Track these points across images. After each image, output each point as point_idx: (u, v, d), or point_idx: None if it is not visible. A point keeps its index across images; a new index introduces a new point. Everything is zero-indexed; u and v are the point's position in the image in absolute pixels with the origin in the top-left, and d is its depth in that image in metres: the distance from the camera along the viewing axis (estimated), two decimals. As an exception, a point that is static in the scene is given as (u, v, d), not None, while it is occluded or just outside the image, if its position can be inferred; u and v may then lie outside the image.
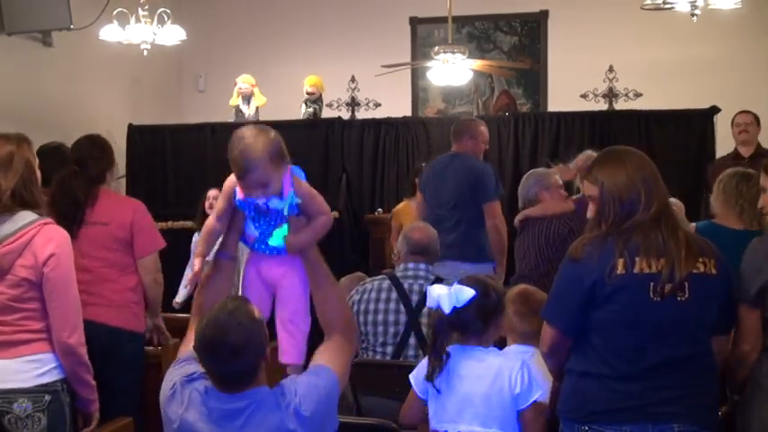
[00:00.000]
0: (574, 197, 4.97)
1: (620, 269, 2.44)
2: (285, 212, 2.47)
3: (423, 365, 2.84)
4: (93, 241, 3.77)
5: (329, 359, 2.39)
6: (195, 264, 2.53)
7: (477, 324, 2.76)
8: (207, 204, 6.23)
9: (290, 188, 2.47)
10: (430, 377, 2.72)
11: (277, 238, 2.48)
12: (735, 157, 6.29)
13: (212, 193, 6.25)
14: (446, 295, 2.69)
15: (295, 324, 2.52)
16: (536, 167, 5.84)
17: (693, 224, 4.06)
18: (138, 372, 3.91)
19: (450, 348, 2.75)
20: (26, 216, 2.86)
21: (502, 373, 2.69)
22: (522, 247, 4.82)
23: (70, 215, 3.73)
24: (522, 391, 2.67)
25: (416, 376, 2.85)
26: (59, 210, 3.70)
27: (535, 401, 2.69)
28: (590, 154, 4.97)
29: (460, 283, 2.74)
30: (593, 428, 2.50)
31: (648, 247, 2.45)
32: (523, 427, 2.70)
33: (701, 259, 2.47)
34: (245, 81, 8.20)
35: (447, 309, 2.68)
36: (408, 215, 6.54)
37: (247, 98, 8.19)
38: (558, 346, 2.59)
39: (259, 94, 8.20)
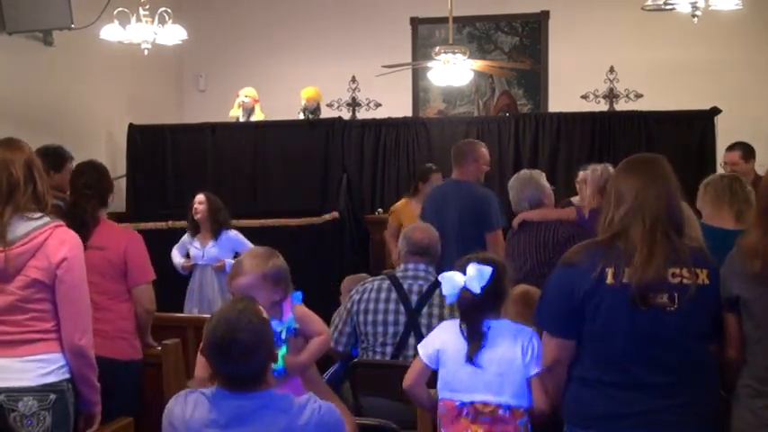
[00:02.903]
0: (575, 205, 4.98)
1: (609, 279, 2.46)
2: (283, 336, 2.59)
3: (432, 336, 2.91)
4: (89, 266, 3.77)
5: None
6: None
7: (500, 297, 2.82)
8: (193, 210, 6.16)
9: (289, 313, 2.61)
10: (471, 358, 2.74)
11: (277, 359, 2.54)
12: None
13: (199, 198, 6.18)
14: (474, 277, 2.76)
15: None
16: (536, 167, 5.83)
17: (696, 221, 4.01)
18: (135, 395, 3.90)
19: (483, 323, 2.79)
20: (39, 218, 2.87)
21: (515, 343, 2.73)
22: (517, 247, 4.80)
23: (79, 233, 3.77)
24: (530, 360, 2.71)
25: (425, 346, 2.89)
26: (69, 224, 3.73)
27: (538, 374, 2.72)
28: (594, 167, 5.01)
29: (472, 262, 2.79)
30: None
31: (639, 257, 2.45)
32: (533, 391, 2.73)
33: (686, 269, 2.46)
34: (247, 95, 8.22)
35: (478, 289, 2.75)
36: (407, 214, 6.52)
37: (248, 111, 8.22)
38: (562, 356, 2.59)
39: (259, 111, 8.22)
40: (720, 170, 6.18)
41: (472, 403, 2.71)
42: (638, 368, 2.47)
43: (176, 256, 6.30)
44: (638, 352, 2.47)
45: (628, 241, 2.48)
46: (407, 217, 6.49)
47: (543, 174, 5.15)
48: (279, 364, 2.54)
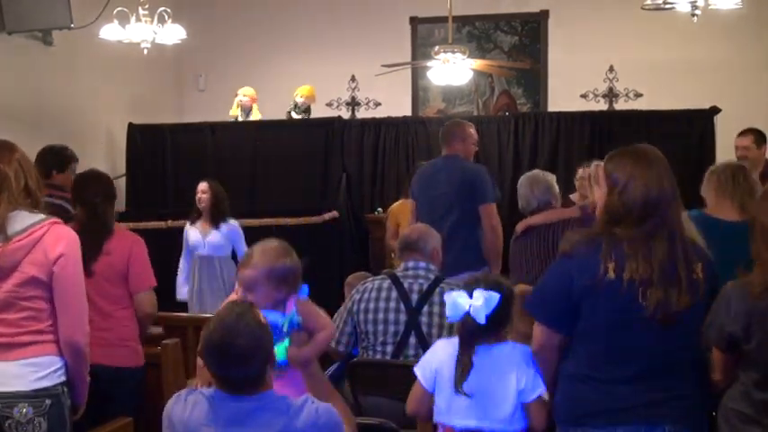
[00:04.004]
0: (579, 204, 4.94)
1: (610, 273, 2.45)
2: (285, 329, 2.55)
3: (428, 358, 2.86)
4: (96, 272, 3.78)
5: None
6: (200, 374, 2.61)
7: (503, 323, 2.78)
8: (197, 198, 6.22)
9: (292, 307, 2.57)
10: (458, 384, 2.70)
11: (279, 351, 2.51)
12: None
13: (202, 186, 6.24)
14: (480, 307, 2.69)
15: None
16: (536, 167, 5.82)
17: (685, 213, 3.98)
18: (136, 400, 3.89)
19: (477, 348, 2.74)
20: (34, 215, 2.86)
21: (510, 371, 2.70)
22: (525, 254, 4.74)
23: (94, 249, 3.78)
24: (526, 387, 2.69)
25: (422, 368, 2.85)
26: (86, 237, 3.74)
27: (540, 396, 2.71)
28: (598, 164, 4.97)
29: (481, 288, 2.73)
30: (585, 430, 2.51)
31: (640, 252, 2.45)
32: (530, 418, 2.71)
33: (694, 266, 2.48)
34: (245, 94, 8.25)
35: (483, 319, 2.68)
36: (405, 214, 6.50)
37: (246, 110, 8.24)
38: (547, 342, 2.60)
39: (256, 111, 8.24)
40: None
41: (467, 429, 2.69)
42: (636, 363, 2.48)
43: (181, 286, 6.28)
44: (636, 347, 2.47)
45: (632, 236, 2.47)
46: (404, 217, 6.47)
47: (555, 176, 5.14)
48: (281, 357, 2.51)
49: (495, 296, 2.70)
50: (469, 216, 5.00)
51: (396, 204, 6.82)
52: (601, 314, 2.48)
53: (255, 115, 8.27)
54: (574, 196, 5.65)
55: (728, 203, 3.77)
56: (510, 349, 2.77)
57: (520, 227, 4.82)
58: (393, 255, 6.34)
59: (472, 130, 5.37)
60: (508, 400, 2.69)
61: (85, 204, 3.90)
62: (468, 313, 2.70)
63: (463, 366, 2.71)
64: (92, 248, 3.73)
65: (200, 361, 2.72)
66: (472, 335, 2.72)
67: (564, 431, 2.58)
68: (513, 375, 2.69)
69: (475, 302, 2.69)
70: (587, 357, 2.52)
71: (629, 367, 2.48)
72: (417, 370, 2.87)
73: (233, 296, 2.78)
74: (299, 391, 2.55)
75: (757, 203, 2.59)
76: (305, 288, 2.65)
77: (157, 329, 4.44)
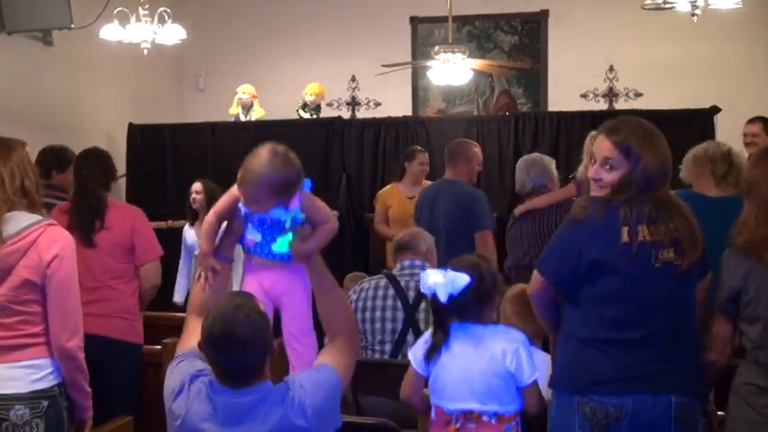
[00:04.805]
0: (576, 180, 4.92)
1: (624, 237, 2.47)
2: (288, 225, 2.48)
3: (421, 342, 2.86)
4: (97, 247, 3.79)
5: (333, 359, 2.39)
6: (200, 262, 2.54)
7: (474, 307, 2.76)
8: (191, 199, 6.17)
9: (296, 203, 2.49)
10: (428, 356, 2.73)
11: (282, 245, 2.49)
12: None
13: (196, 186, 6.20)
14: (442, 284, 2.69)
15: (305, 338, 2.54)
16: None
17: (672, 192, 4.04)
18: (134, 381, 3.88)
19: (450, 326, 2.76)
20: (30, 216, 2.84)
21: (498, 352, 2.69)
22: (521, 235, 4.78)
23: (91, 222, 3.81)
24: (519, 368, 2.68)
25: (415, 352, 2.86)
26: (81, 216, 3.75)
27: (535, 381, 2.71)
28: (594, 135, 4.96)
29: (454, 268, 2.74)
30: (593, 399, 2.49)
31: (652, 214, 2.49)
32: (526, 402, 2.71)
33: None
34: (245, 91, 8.22)
35: (443, 297, 2.69)
36: (394, 197, 6.49)
37: (247, 108, 8.22)
38: (543, 293, 2.64)
39: (258, 107, 8.22)
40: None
41: (459, 411, 2.69)
42: (646, 325, 2.49)
43: (178, 290, 6.21)
44: (649, 308, 2.49)
45: (643, 202, 2.50)
46: (393, 200, 6.47)
47: (553, 161, 5.14)
48: (284, 250, 2.48)
49: (464, 278, 2.68)
50: (466, 241, 5.01)
51: (384, 189, 6.79)
52: (614, 278, 2.49)
53: (258, 111, 8.24)
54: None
55: (706, 178, 3.82)
56: (501, 331, 2.77)
57: (519, 209, 4.83)
58: (388, 235, 6.30)
59: (477, 150, 5.40)
60: (497, 381, 2.68)
61: (78, 179, 3.95)
62: (433, 291, 2.71)
63: (435, 339, 2.73)
64: (89, 221, 3.77)
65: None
66: (438, 312, 2.74)
67: (566, 400, 2.56)
68: (499, 355, 2.68)
69: (441, 280, 2.69)
70: (597, 321, 2.53)
71: (640, 330, 2.48)
72: (410, 353, 2.89)
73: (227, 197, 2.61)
74: (303, 286, 2.53)
75: (750, 169, 2.63)
76: (307, 182, 2.57)
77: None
